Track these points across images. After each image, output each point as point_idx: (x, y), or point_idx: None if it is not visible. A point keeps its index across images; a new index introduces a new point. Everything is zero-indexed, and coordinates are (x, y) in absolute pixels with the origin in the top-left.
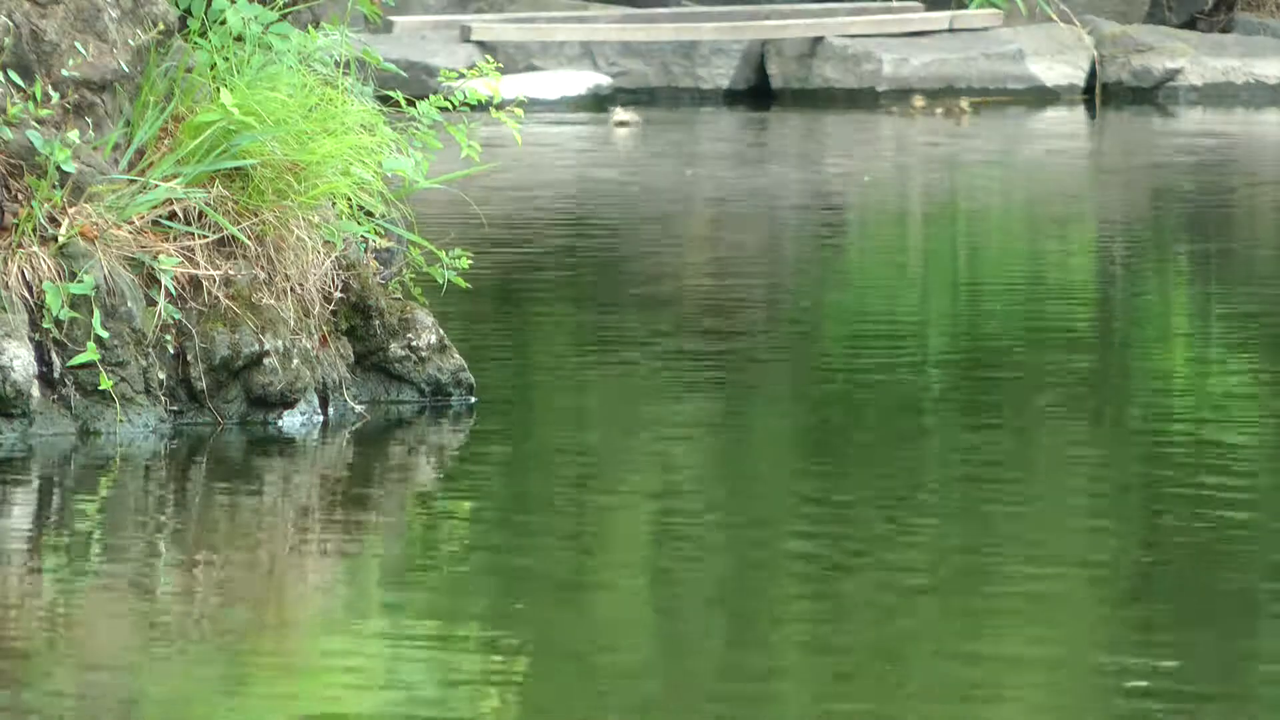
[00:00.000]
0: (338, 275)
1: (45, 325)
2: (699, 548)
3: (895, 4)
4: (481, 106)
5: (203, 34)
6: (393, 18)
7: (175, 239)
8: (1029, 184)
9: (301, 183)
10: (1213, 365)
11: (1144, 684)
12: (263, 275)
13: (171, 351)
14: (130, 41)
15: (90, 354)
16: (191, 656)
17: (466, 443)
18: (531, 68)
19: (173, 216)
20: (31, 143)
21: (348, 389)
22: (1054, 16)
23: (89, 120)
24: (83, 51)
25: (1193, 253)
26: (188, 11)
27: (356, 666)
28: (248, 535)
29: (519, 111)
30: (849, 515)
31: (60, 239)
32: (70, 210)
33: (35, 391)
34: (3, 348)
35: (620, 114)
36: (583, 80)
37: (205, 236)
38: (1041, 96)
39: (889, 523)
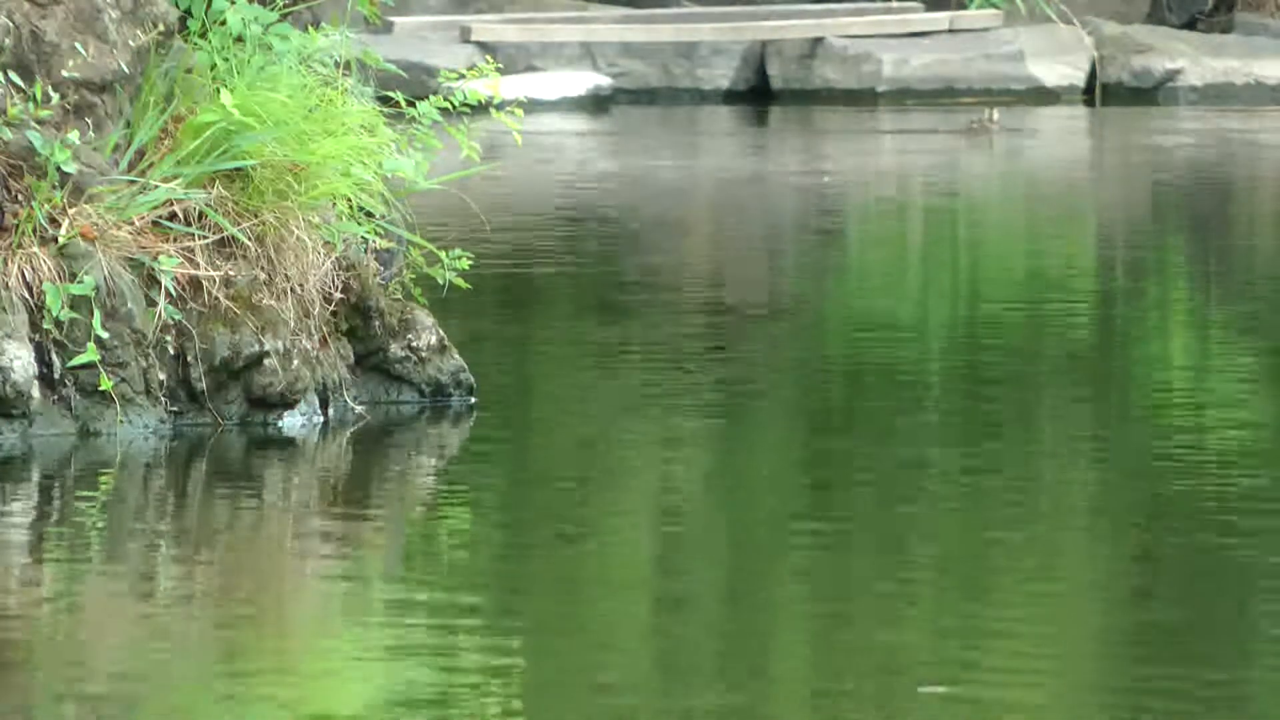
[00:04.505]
0: (338, 276)
1: (45, 326)
2: (699, 547)
3: (895, 4)
4: (481, 107)
5: (203, 34)
6: (393, 18)
7: (175, 240)
8: (1028, 184)
9: (302, 183)
10: (1213, 365)
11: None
12: (263, 276)
13: (172, 352)
14: (130, 42)
15: (90, 355)
16: (191, 656)
17: (466, 443)
18: (531, 68)
19: (173, 217)
20: (31, 143)
21: (348, 390)
22: (1054, 17)
23: (89, 121)
24: (83, 52)
25: (1192, 253)
26: (188, 12)
27: (356, 666)
28: (247, 536)
29: (519, 112)
30: (851, 519)
31: (60, 239)
32: (70, 211)
33: (35, 392)
34: (3, 348)
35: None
36: (583, 81)
37: (205, 237)
38: (1041, 97)
39: (889, 526)
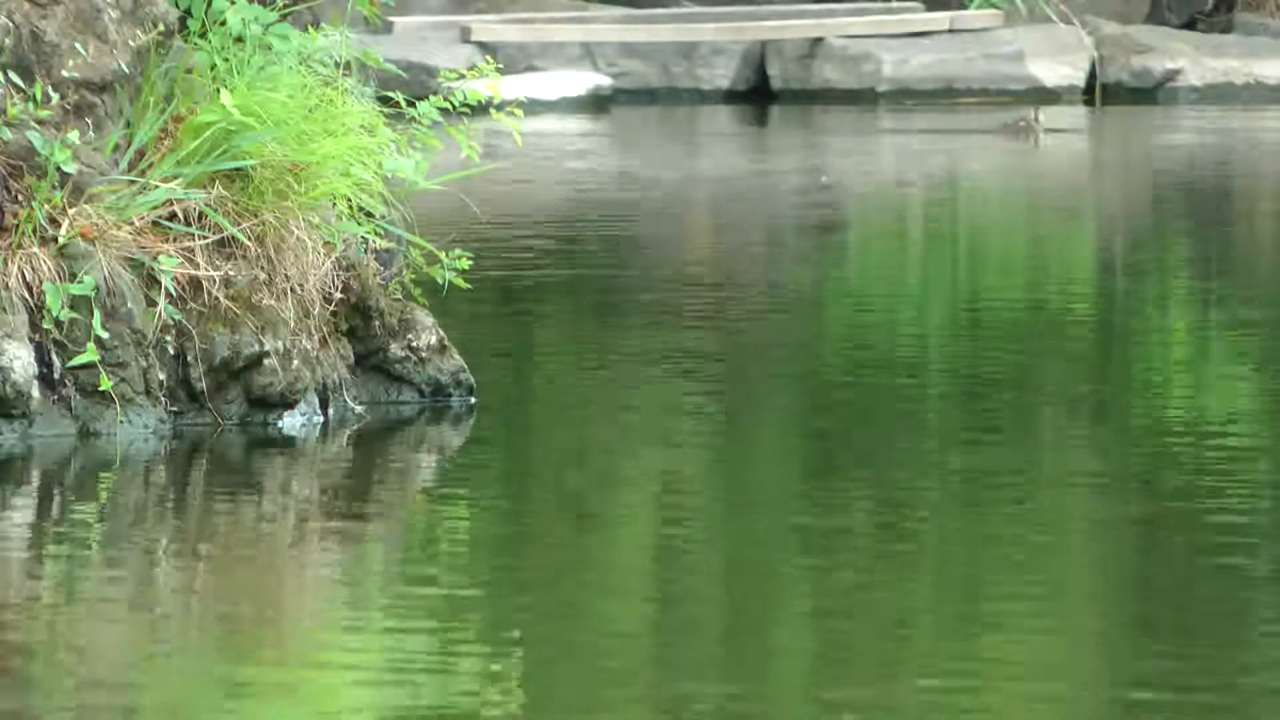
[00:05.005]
0: (338, 276)
1: (45, 326)
2: (698, 548)
3: (895, 4)
4: (481, 107)
5: (203, 35)
6: (393, 18)
7: (175, 240)
8: (1027, 186)
9: (302, 183)
10: (1214, 365)
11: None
12: (263, 276)
13: (172, 352)
14: (130, 42)
15: (90, 355)
16: (192, 657)
17: (466, 444)
18: (531, 68)
19: (173, 217)
20: (31, 143)
21: (348, 390)
22: (1054, 17)
23: (89, 121)
24: (83, 52)
25: (1192, 253)
26: (188, 12)
27: (357, 667)
28: (248, 536)
29: (518, 112)
30: (851, 519)
31: (60, 240)
32: (70, 211)
33: (35, 392)
34: (3, 348)
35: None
36: (583, 81)
37: (205, 237)
38: (1041, 97)
39: (889, 525)
